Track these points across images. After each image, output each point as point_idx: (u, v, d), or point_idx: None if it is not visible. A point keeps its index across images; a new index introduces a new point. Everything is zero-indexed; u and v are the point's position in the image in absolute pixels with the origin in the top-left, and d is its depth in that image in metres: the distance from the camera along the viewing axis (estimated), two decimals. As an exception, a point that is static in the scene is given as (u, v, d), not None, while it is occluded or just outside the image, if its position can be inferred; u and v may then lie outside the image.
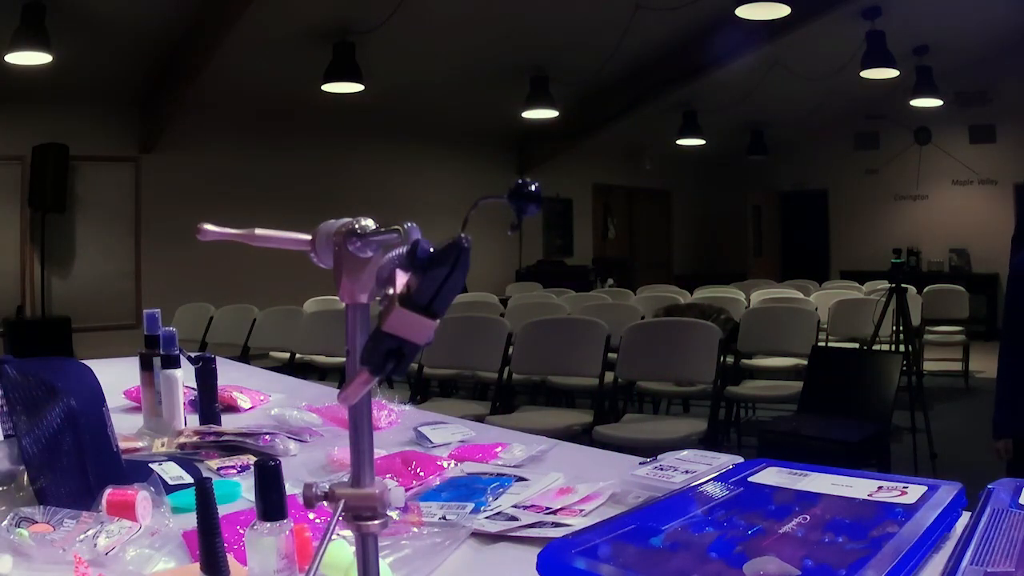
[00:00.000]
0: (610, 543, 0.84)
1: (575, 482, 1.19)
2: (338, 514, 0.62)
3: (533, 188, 0.55)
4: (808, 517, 0.88)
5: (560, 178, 10.44)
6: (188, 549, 0.94)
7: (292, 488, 0.83)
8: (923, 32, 8.42)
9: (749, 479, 1.04)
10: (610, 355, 3.49)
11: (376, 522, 0.62)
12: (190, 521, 0.82)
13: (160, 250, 7.31)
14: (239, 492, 1.18)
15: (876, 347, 4.41)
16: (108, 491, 1.01)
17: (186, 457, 1.35)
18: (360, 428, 0.63)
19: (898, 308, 4.39)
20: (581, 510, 1.09)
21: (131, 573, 0.88)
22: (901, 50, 8.18)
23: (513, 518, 1.05)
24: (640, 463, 1.18)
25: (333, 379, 4.58)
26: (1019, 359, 2.15)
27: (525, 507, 1.10)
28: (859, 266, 10.24)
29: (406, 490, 1.19)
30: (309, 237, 0.68)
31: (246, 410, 1.82)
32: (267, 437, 1.42)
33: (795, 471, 1.05)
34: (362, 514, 0.62)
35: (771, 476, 1.04)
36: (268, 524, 0.75)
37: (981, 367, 6.78)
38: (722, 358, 3.46)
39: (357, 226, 0.63)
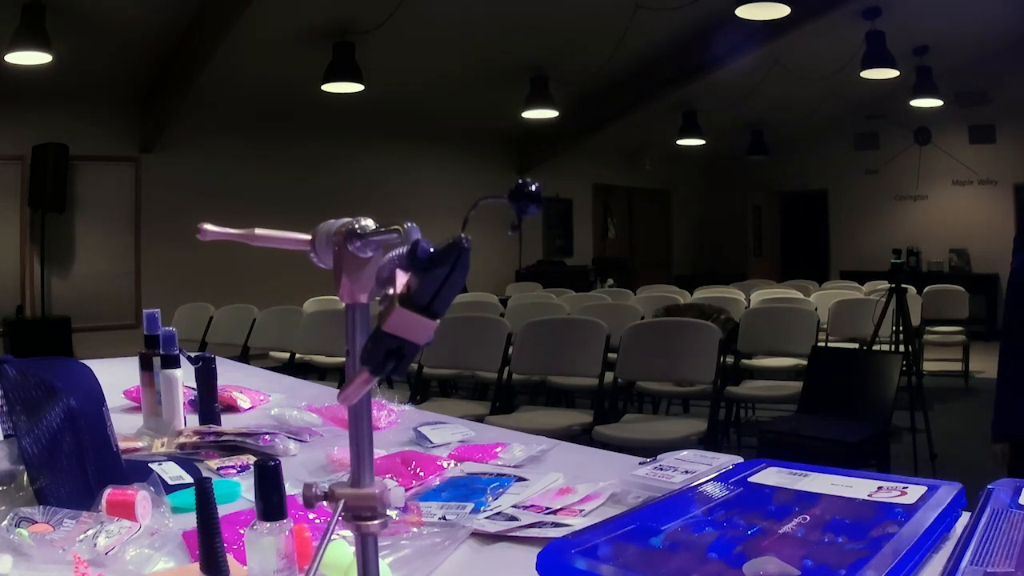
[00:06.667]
0: (610, 543, 0.84)
1: (575, 482, 1.19)
2: (338, 514, 0.62)
3: (533, 188, 0.55)
4: (808, 517, 0.88)
5: (560, 178, 10.45)
6: (188, 549, 0.94)
7: (292, 488, 0.83)
8: (923, 32, 8.43)
9: (749, 479, 1.04)
10: (610, 355, 3.49)
11: (376, 522, 0.62)
12: (190, 521, 0.82)
13: (160, 250, 7.31)
14: (239, 492, 1.18)
15: (876, 347, 4.41)
16: (108, 491, 1.01)
17: (186, 457, 1.35)
18: (360, 428, 0.63)
19: (898, 308, 4.39)
20: (581, 510, 1.09)
21: (131, 573, 0.88)
22: (901, 50, 8.18)
23: (513, 518, 1.05)
24: (640, 463, 1.18)
25: (333, 379, 4.58)
26: (1018, 363, 2.15)
27: (525, 507, 1.10)
28: (859, 266, 10.24)
29: (406, 490, 1.19)
30: (309, 237, 0.68)
31: (246, 410, 1.82)
32: (267, 437, 1.42)
33: (795, 471, 1.05)
34: (362, 514, 0.62)
35: (771, 476, 1.04)
36: (268, 524, 0.75)
37: (981, 367, 6.78)
38: (722, 358, 3.46)
39: (357, 226, 0.63)
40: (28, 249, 6.76)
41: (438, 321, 0.53)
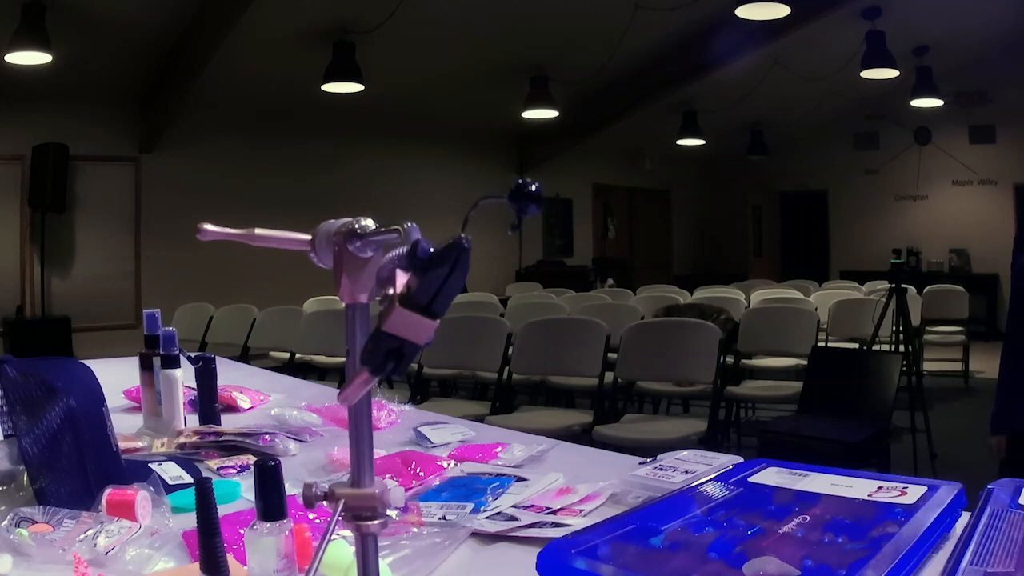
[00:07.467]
0: (610, 543, 0.84)
1: (575, 482, 1.19)
2: (338, 514, 0.62)
3: (533, 188, 0.55)
4: (808, 517, 0.88)
5: (560, 178, 10.44)
6: (188, 549, 0.94)
7: (292, 488, 0.83)
8: (923, 32, 8.42)
9: (749, 479, 1.04)
10: (610, 355, 3.49)
11: (376, 522, 0.62)
12: (190, 521, 0.82)
13: (160, 250, 7.31)
14: (239, 492, 1.18)
15: (876, 347, 4.41)
16: (108, 491, 1.01)
17: (186, 457, 1.35)
18: (360, 428, 0.63)
19: (898, 308, 4.39)
20: (581, 510, 1.09)
21: (131, 573, 0.88)
22: (901, 50, 8.18)
23: (513, 518, 1.05)
24: (640, 463, 1.18)
25: (333, 379, 4.58)
26: (1019, 362, 2.16)
27: (525, 507, 1.10)
28: (859, 266, 10.24)
29: (406, 490, 1.19)
30: (309, 237, 0.68)
31: (246, 410, 1.82)
32: (267, 437, 1.42)
33: (795, 471, 1.05)
34: (362, 514, 0.62)
35: (771, 476, 1.04)
36: (268, 524, 0.75)
37: (981, 367, 6.78)
38: (722, 358, 3.46)
39: (357, 226, 0.63)
40: (28, 249, 6.75)
41: (438, 321, 0.53)
